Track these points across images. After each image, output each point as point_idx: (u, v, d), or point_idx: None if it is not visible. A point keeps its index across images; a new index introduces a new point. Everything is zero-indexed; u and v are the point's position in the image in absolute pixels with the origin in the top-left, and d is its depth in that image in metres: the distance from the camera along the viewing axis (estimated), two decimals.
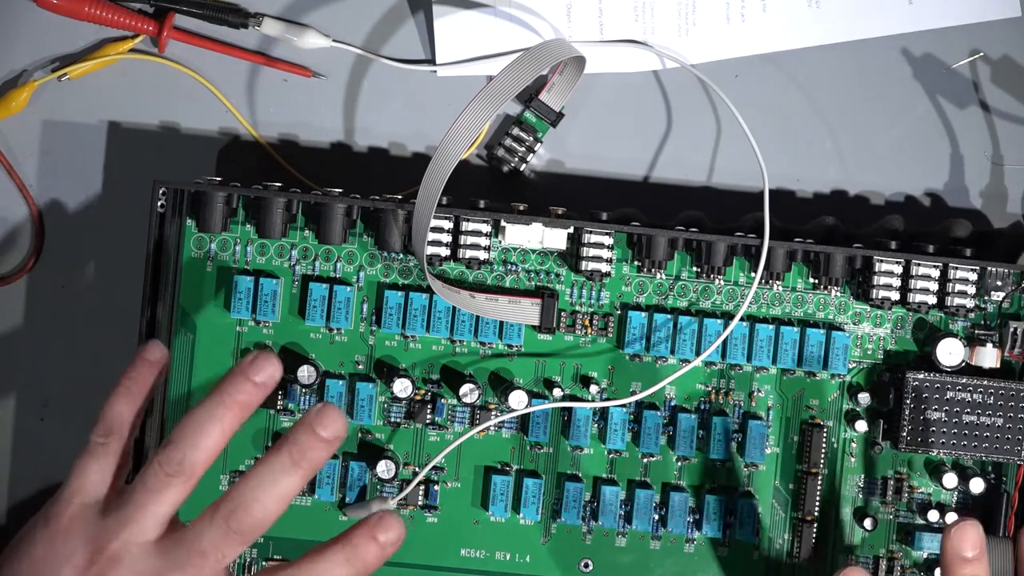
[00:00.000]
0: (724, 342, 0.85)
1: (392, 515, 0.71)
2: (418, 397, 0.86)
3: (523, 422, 0.86)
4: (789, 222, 0.88)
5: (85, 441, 0.73)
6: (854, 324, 0.87)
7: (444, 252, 0.84)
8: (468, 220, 0.84)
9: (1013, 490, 0.86)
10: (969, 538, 0.76)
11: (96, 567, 0.71)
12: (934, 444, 0.85)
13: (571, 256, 0.86)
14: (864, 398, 0.86)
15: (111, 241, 0.91)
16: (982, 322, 0.87)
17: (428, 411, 0.86)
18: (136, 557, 0.71)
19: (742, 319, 0.85)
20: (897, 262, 0.85)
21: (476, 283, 0.86)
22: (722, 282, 0.87)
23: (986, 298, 0.86)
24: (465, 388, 0.85)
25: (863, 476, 0.87)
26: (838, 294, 0.87)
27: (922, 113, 0.92)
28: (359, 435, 0.86)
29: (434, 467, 0.86)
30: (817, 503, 0.86)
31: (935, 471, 0.87)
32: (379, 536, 0.71)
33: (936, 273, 0.85)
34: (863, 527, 0.86)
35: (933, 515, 0.86)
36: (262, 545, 0.86)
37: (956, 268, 0.85)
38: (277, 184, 0.85)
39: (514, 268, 0.86)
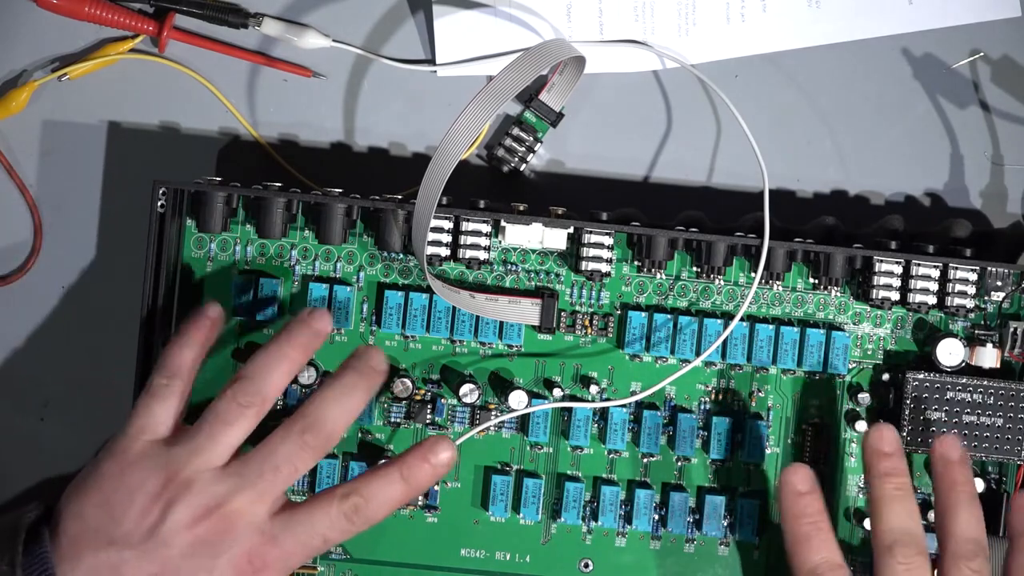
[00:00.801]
0: (724, 342, 0.85)
1: (444, 439, 0.78)
2: (418, 397, 0.86)
3: (523, 422, 0.86)
4: (789, 222, 0.88)
5: (148, 384, 0.78)
6: (854, 324, 0.87)
7: (444, 252, 0.84)
8: (468, 220, 0.84)
9: (1013, 490, 0.86)
10: (886, 436, 0.81)
11: (168, 492, 0.75)
12: None
13: (571, 256, 0.86)
14: (864, 398, 0.86)
15: (111, 241, 0.91)
16: (982, 322, 0.87)
17: (428, 411, 0.86)
18: (208, 481, 0.75)
19: (742, 319, 0.85)
20: (897, 262, 0.85)
21: (476, 283, 0.86)
22: (722, 282, 0.87)
23: (986, 298, 0.86)
24: (465, 388, 0.85)
25: (863, 476, 0.87)
26: (838, 294, 0.87)
27: (922, 113, 0.92)
28: (359, 435, 0.86)
29: None
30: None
31: None
32: (431, 458, 0.77)
33: (936, 273, 0.85)
34: (863, 527, 0.86)
35: (933, 515, 0.86)
36: None
37: (956, 268, 0.85)
38: (277, 184, 0.85)
39: (514, 268, 0.86)
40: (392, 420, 0.86)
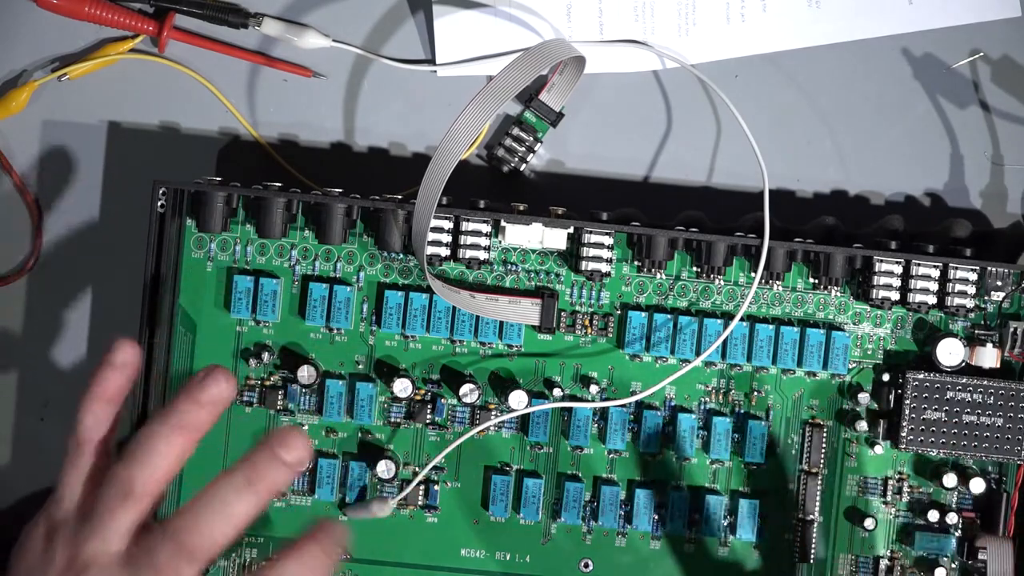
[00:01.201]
0: (724, 342, 0.85)
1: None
2: (418, 397, 0.86)
3: (523, 422, 0.86)
4: (789, 222, 0.88)
5: (64, 450, 0.74)
6: (854, 324, 0.87)
7: (444, 252, 0.84)
8: (468, 220, 0.84)
9: (1013, 490, 0.86)
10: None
11: (71, 574, 0.71)
12: (934, 444, 0.85)
13: (571, 256, 0.86)
14: (864, 398, 0.86)
15: (111, 241, 0.91)
16: (982, 322, 0.87)
17: (428, 411, 0.86)
18: (102, 568, 0.71)
19: (742, 319, 0.85)
20: (897, 262, 0.85)
21: (476, 283, 0.86)
22: (722, 282, 0.87)
23: (986, 298, 0.86)
24: (465, 388, 0.85)
25: (863, 476, 0.87)
26: (838, 294, 0.87)
27: (922, 113, 0.92)
28: (359, 435, 0.86)
29: (434, 467, 0.86)
30: (817, 503, 0.86)
31: (935, 471, 0.87)
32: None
33: (936, 273, 0.85)
34: (863, 527, 0.86)
35: (933, 515, 0.86)
36: (262, 545, 0.86)
37: (956, 268, 0.85)
38: (277, 184, 0.85)
39: (514, 268, 0.86)
40: (392, 420, 0.86)
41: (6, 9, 0.90)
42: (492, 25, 0.90)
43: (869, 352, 0.87)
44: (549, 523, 0.87)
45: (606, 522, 0.86)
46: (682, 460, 0.87)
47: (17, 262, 0.91)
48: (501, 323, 0.85)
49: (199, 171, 0.90)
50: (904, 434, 0.85)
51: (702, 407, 0.87)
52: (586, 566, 0.87)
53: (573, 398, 0.86)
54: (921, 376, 0.85)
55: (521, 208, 0.85)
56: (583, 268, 0.85)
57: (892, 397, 0.86)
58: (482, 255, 0.85)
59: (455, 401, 0.86)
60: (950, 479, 0.86)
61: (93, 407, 0.74)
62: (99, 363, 0.74)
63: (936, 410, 0.85)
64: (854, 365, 0.87)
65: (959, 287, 0.85)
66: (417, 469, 0.86)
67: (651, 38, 0.91)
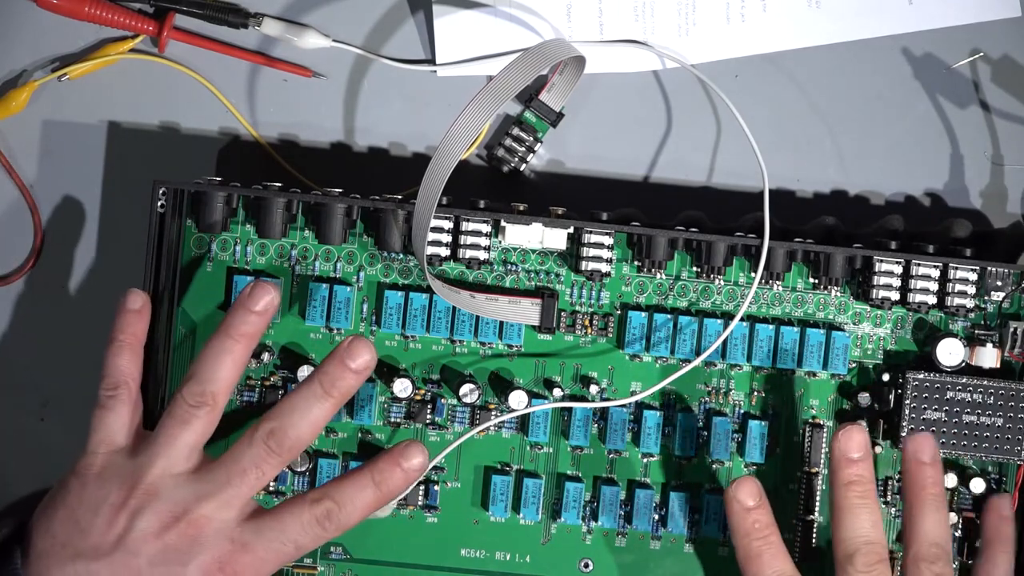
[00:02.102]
0: (724, 342, 0.85)
1: (415, 443, 0.77)
2: (418, 397, 0.86)
3: (523, 422, 0.86)
4: (789, 222, 0.88)
5: (96, 398, 0.78)
6: (854, 324, 0.87)
7: (444, 252, 0.84)
8: (468, 220, 0.84)
9: (1013, 490, 0.86)
10: (855, 440, 0.80)
11: (134, 501, 0.75)
12: None
13: (571, 256, 0.86)
14: (864, 398, 0.86)
15: (111, 241, 0.91)
16: (982, 322, 0.87)
17: (428, 411, 0.86)
18: (173, 487, 0.75)
19: (742, 319, 0.85)
20: (897, 262, 0.85)
21: (476, 283, 0.86)
22: (722, 282, 0.87)
23: (986, 298, 0.86)
24: (465, 388, 0.85)
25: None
26: (838, 294, 0.87)
27: (922, 113, 0.92)
28: (359, 435, 0.86)
29: (434, 467, 0.86)
30: (817, 503, 0.86)
31: None
32: (403, 463, 0.77)
33: (936, 273, 0.85)
34: None
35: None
36: None
37: (956, 268, 0.85)
38: (277, 184, 0.85)
39: (514, 268, 0.86)
40: (392, 420, 0.86)
41: (6, 9, 0.90)
42: (492, 25, 0.90)
43: (869, 352, 0.87)
44: (549, 523, 0.87)
45: (606, 522, 0.86)
46: (682, 460, 0.87)
47: (17, 262, 0.91)
48: (501, 323, 0.85)
49: (199, 171, 0.90)
50: (904, 434, 0.85)
51: (702, 407, 0.87)
52: (586, 566, 0.87)
53: (573, 398, 0.86)
54: (921, 376, 0.85)
55: (521, 208, 0.85)
56: (583, 268, 0.85)
57: (892, 397, 0.86)
58: (482, 255, 0.85)
59: (455, 401, 0.86)
60: (950, 479, 0.86)
61: (119, 355, 0.79)
62: (117, 311, 0.80)
63: (936, 410, 0.85)
64: (854, 365, 0.87)
65: (959, 287, 0.85)
66: None
67: (651, 38, 0.91)
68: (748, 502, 0.80)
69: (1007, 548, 0.84)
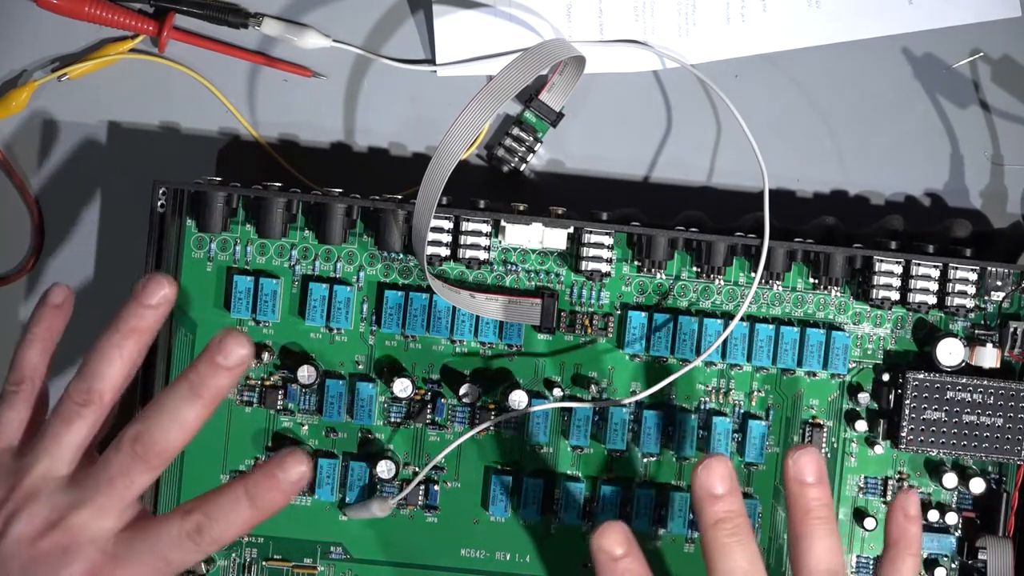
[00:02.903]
0: (724, 342, 0.85)
1: (295, 452, 0.71)
2: (418, 397, 0.86)
3: (523, 422, 0.86)
4: (789, 222, 0.88)
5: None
6: (854, 324, 0.87)
7: (444, 252, 0.84)
8: (468, 220, 0.84)
9: (1013, 490, 0.86)
10: (716, 474, 0.74)
11: (12, 503, 0.72)
12: (934, 444, 0.85)
13: (571, 256, 0.86)
14: (864, 398, 0.86)
15: (111, 241, 0.91)
16: (982, 322, 0.87)
17: (428, 411, 0.86)
18: (51, 491, 0.72)
19: (742, 319, 0.85)
20: (897, 262, 0.85)
21: (476, 283, 0.86)
22: (722, 282, 0.87)
23: (986, 298, 0.86)
24: (465, 388, 0.85)
25: (863, 476, 0.87)
26: (838, 294, 0.87)
27: (922, 113, 0.92)
28: (359, 435, 0.86)
29: (434, 467, 0.86)
30: None
31: (935, 471, 0.87)
32: (278, 474, 0.71)
33: (936, 273, 0.85)
34: (863, 527, 0.86)
35: (933, 515, 0.86)
36: (262, 545, 0.86)
37: (956, 268, 0.85)
38: (277, 184, 0.85)
39: (514, 268, 0.86)
40: (392, 420, 0.86)
41: (6, 9, 0.90)
42: (492, 25, 0.90)
43: (869, 352, 0.87)
44: (549, 523, 0.87)
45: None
46: (682, 460, 0.87)
47: (17, 262, 0.91)
48: (501, 323, 0.85)
49: (199, 171, 0.90)
50: (904, 434, 0.85)
51: (702, 407, 0.87)
52: (586, 566, 0.87)
53: (573, 398, 0.86)
54: (921, 376, 0.85)
55: (521, 208, 0.85)
56: (583, 268, 0.85)
57: (892, 397, 0.86)
58: (482, 255, 0.85)
59: (455, 401, 0.86)
60: (950, 479, 0.86)
61: (29, 349, 0.76)
62: (37, 304, 0.77)
63: (936, 410, 0.85)
64: (854, 365, 0.87)
65: (959, 287, 0.85)
66: (417, 469, 0.86)
67: (651, 38, 0.91)
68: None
69: (914, 551, 0.76)
